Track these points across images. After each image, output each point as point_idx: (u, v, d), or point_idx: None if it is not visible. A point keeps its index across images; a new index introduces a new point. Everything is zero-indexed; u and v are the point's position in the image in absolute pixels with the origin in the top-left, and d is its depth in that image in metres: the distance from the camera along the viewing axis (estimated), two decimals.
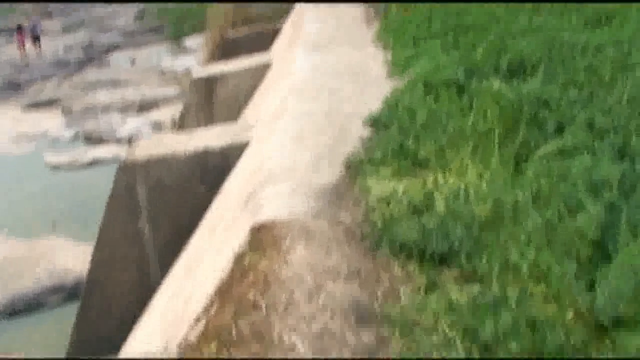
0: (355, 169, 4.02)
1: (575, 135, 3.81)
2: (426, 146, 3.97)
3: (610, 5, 7.71)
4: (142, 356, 4.23)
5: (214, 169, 6.07)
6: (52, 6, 44.89)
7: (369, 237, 3.12)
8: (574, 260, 2.50)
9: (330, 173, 4.04)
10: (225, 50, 13.19)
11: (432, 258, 2.81)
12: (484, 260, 2.64)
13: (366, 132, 4.69)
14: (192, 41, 24.14)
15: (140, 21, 32.72)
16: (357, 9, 11.22)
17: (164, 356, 3.39)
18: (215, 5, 16.70)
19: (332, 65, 6.95)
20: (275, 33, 12.99)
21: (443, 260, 2.80)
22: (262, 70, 9.49)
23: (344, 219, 3.40)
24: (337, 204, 3.61)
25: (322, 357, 2.30)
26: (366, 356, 2.30)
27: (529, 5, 8.14)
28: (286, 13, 15.13)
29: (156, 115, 15.05)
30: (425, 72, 5.27)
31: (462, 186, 3.39)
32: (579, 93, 4.61)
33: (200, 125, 9.77)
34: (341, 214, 3.47)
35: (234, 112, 9.56)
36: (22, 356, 7.82)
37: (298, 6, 12.55)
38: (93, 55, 24.94)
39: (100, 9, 41.26)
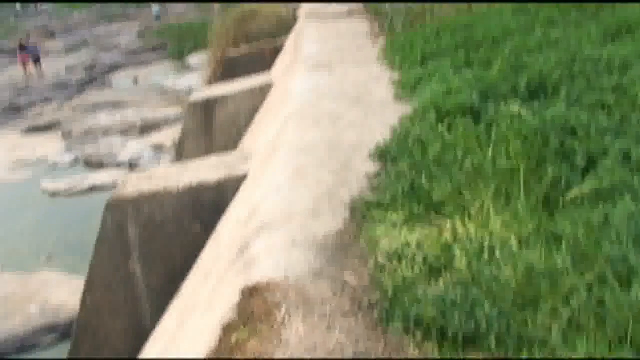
0: (361, 213, 3.54)
1: (611, 171, 3.31)
2: (441, 186, 3.48)
3: (630, 16, 7.23)
4: None
5: (208, 204, 5.60)
6: (54, 26, 44.88)
7: (377, 307, 2.64)
8: (632, 348, 2.01)
9: (333, 219, 3.56)
10: (226, 69, 12.76)
11: (455, 337, 2.32)
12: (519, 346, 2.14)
13: (372, 166, 4.21)
14: (195, 59, 23.80)
15: (142, 39, 32.45)
16: (360, 24, 10.77)
17: None
18: (216, 23, 16.30)
19: (334, 86, 6.49)
20: (276, 51, 12.56)
21: (468, 339, 2.32)
22: (262, 92, 9.04)
23: (349, 280, 2.92)
24: (341, 260, 3.13)
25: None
26: None
27: (543, 16, 7.66)
28: (288, 30, 14.72)
29: (157, 137, 14.62)
30: (436, 96, 4.78)
31: (486, 240, 2.89)
32: (609, 118, 4.12)
33: (199, 150, 9.33)
34: (345, 274, 2.98)
35: (233, 136, 9.11)
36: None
37: (299, 23, 12.11)
38: (94, 76, 24.61)
39: (102, 28, 41.15)
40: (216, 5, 39.23)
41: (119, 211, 5.71)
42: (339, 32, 10.06)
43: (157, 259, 5.76)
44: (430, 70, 5.94)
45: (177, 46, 26.73)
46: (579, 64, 5.23)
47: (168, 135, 14.56)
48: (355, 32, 9.99)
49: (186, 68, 24.22)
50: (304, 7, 16.69)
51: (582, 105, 4.38)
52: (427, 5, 12.58)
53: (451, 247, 2.96)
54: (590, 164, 3.62)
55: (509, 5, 9.36)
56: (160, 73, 23.86)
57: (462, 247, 2.92)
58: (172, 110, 16.73)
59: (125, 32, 37.36)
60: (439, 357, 2.29)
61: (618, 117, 4.13)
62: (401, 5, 12.94)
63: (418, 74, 5.95)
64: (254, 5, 16.86)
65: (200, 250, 5.42)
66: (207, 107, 9.21)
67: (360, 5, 13.57)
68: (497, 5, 9.66)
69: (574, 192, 3.17)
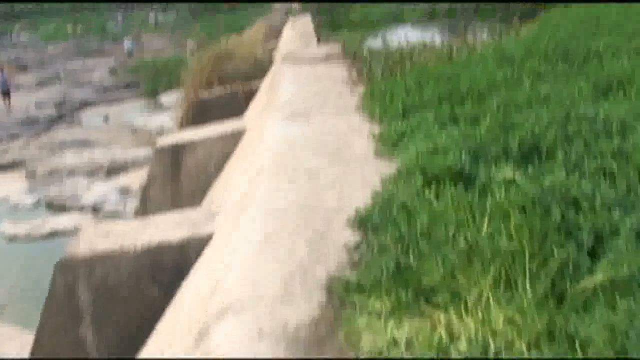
0: (339, 297, 3.07)
1: (626, 256, 2.89)
2: (432, 269, 3.03)
3: (618, 70, 6.96)
4: None
5: (169, 267, 5.09)
6: (29, 58, 44.29)
7: None
8: None
9: (307, 303, 3.08)
10: (197, 112, 12.32)
11: None
12: None
13: (352, 236, 3.75)
14: (169, 98, 23.36)
15: (115, 76, 31.98)
16: (339, 69, 10.43)
17: None
18: (190, 61, 15.90)
19: (311, 138, 6.06)
20: (251, 94, 12.17)
21: None
22: (234, 138, 8.60)
23: None
24: (315, 358, 2.65)
25: None
26: None
27: (529, 68, 7.36)
28: (265, 72, 14.38)
29: (124, 180, 14.07)
30: (422, 157, 4.37)
31: (490, 342, 2.44)
32: (614, 188, 3.73)
33: (165, 198, 8.83)
34: None
35: (202, 184, 8.63)
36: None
37: (275, 67, 11.76)
38: (65, 113, 24.03)
39: (77, 62, 40.62)
40: (191, 43, 39.04)
41: (70, 273, 5.18)
42: (317, 78, 9.69)
43: (110, 326, 5.21)
44: (413, 124, 5.55)
45: (150, 84, 26.29)
46: (574, 124, 4.87)
47: (136, 178, 14.00)
48: (333, 78, 9.63)
49: (159, 107, 23.77)
50: (281, 49, 16.40)
51: (582, 172, 3.99)
52: (406, 51, 12.34)
53: (447, 348, 2.50)
54: (598, 242, 3.22)
55: (491, 54, 9.10)
56: (132, 111, 23.37)
57: (461, 349, 2.46)
58: (142, 151, 16.20)
59: (100, 67, 36.88)
60: None
61: (624, 188, 3.74)
62: (379, 51, 12.68)
63: (400, 128, 5.55)
64: (230, 45, 16.54)
65: (159, 317, 4.89)
66: (175, 152, 8.74)
67: (338, 48, 13.28)
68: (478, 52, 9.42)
69: (587, 282, 2.73)
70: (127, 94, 26.89)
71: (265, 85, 11.03)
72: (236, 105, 12.11)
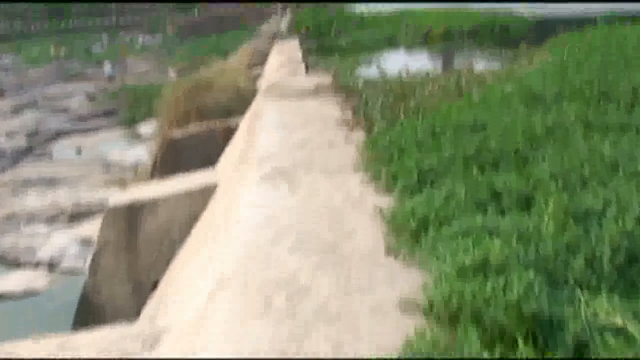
0: None
1: None
2: None
3: None
4: None
5: None
6: (8, 82, 42.67)
7: None
8: None
9: None
10: (170, 153, 10.74)
11: None
12: None
13: None
14: (147, 127, 21.74)
15: (93, 102, 30.36)
16: (330, 106, 8.88)
17: None
18: (165, 92, 14.34)
19: (297, 219, 4.48)
20: (230, 132, 10.61)
21: None
22: (203, 196, 7.02)
23: None
24: None
25: None
26: None
27: (572, 113, 5.82)
28: (248, 105, 12.83)
29: (88, 228, 12.40)
30: (468, 282, 2.78)
31: None
32: None
33: (119, 271, 7.22)
34: None
35: (165, 252, 7.03)
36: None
37: (257, 102, 10.20)
38: (36, 144, 22.36)
39: (57, 87, 38.95)
40: (172, 69, 37.50)
41: None
42: (305, 117, 8.13)
43: None
44: (438, 203, 3.96)
45: (129, 112, 24.66)
46: None
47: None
48: (324, 117, 8.08)
49: (137, 137, 22.15)
50: (266, 78, 14.87)
51: None
52: (407, 82, 10.83)
53: None
54: None
55: (514, 90, 7.58)
56: (108, 143, 21.74)
57: None
58: (110, 192, 14.55)
59: (80, 92, 35.20)
60: None
61: None
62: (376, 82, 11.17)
63: (420, 209, 3.96)
64: (210, 74, 15.00)
65: None
66: (132, 214, 7.14)
67: (329, 78, 11.76)
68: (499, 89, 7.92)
69: None
70: (104, 123, 25.23)
71: (244, 126, 9.45)
72: (213, 146, 10.54)
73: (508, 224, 3.37)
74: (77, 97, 33.79)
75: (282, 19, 46.37)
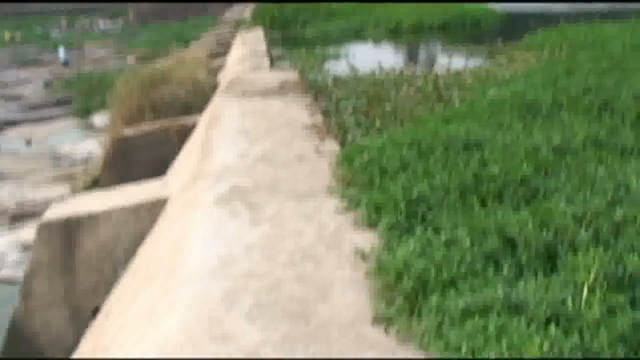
0: None
1: None
2: None
3: None
4: None
5: None
6: None
7: None
8: None
9: None
10: (120, 153, 9.75)
11: None
12: None
13: None
14: (102, 118, 20.55)
15: (49, 90, 28.90)
16: (297, 107, 8.01)
17: None
18: (118, 84, 13.26)
19: (258, 263, 3.62)
20: (186, 132, 9.66)
21: None
22: (151, 212, 6.11)
23: None
24: None
25: None
26: None
27: (581, 134, 5.06)
28: (207, 101, 11.88)
29: (30, 232, 11.30)
30: None
31: None
32: None
33: (54, 295, 6.28)
34: None
35: (107, 276, 6.11)
36: None
37: (217, 100, 9.27)
38: None
39: (11, 73, 37.18)
40: (130, 56, 36.14)
41: None
42: (270, 122, 7.25)
43: None
44: (438, 256, 3.13)
45: (83, 101, 23.34)
46: None
47: None
48: (291, 122, 7.20)
49: (91, 128, 20.96)
50: (228, 71, 13.92)
51: None
52: (380, 81, 10.02)
53: None
54: None
55: (505, 99, 6.82)
56: (60, 134, 20.50)
57: None
58: (58, 190, 13.46)
59: (35, 79, 33.62)
60: None
61: None
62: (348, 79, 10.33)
63: (415, 262, 3.13)
64: (166, 66, 13.98)
65: None
66: (68, 231, 6.18)
67: (295, 74, 10.88)
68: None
69: None
70: (57, 112, 23.87)
71: (201, 125, 8.51)
72: (167, 147, 9.59)
73: (535, 297, 2.56)
74: (31, 84, 32.27)
75: (246, 6, 45.19)
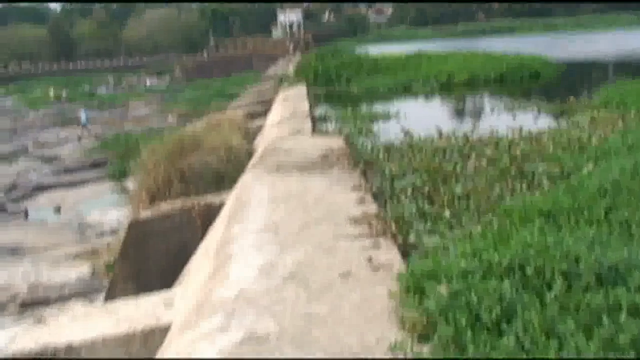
0: None
1: None
2: None
3: None
4: None
5: None
6: (3, 127, 40.76)
7: None
8: None
9: None
10: (135, 239, 8.28)
11: None
12: None
13: None
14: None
15: (86, 151, 28.11)
16: (343, 191, 6.41)
17: None
18: (145, 153, 11.93)
19: None
20: (212, 212, 8.15)
21: None
22: (147, 345, 4.53)
23: None
24: None
25: None
26: None
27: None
28: (243, 167, 10.44)
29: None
30: None
31: None
32: None
33: None
34: None
35: None
36: None
37: (246, 177, 7.76)
38: (11, 200, 20.04)
39: (52, 132, 36.83)
40: (170, 115, 35.34)
41: None
42: (307, 212, 5.67)
43: None
44: None
45: (118, 164, 22.29)
46: None
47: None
48: (335, 212, 5.61)
49: (125, 192, 19.76)
50: (264, 138, 12.50)
51: None
52: (443, 151, 8.40)
53: None
54: None
55: (620, 183, 5.11)
56: (91, 200, 19.38)
57: None
58: (77, 271, 12.10)
59: (74, 140, 33.08)
60: None
61: None
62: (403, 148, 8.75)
63: None
64: (198, 131, 12.65)
65: None
66: None
67: (340, 141, 9.35)
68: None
69: None
70: (92, 175, 22.93)
71: (225, 212, 6.96)
72: (189, 231, 8.10)
73: None
74: (69, 144, 31.68)
75: (289, 62, 44.47)
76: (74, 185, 21.74)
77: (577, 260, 3.45)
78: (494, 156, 7.68)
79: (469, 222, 5.28)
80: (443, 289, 3.37)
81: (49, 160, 27.64)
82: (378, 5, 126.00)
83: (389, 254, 4.44)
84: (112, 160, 23.63)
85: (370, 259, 4.34)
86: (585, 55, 34.63)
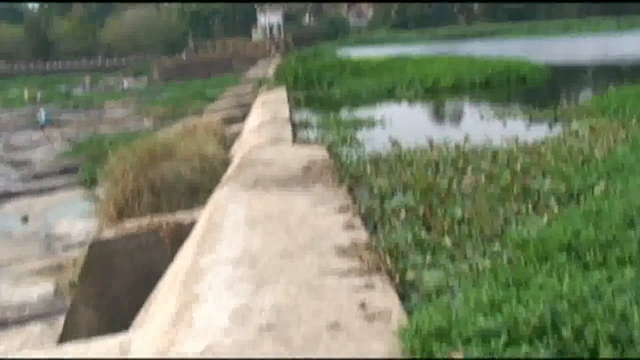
0: None
1: None
2: None
3: None
4: None
5: None
6: None
7: None
8: None
9: None
10: (96, 262, 7.50)
11: None
12: None
13: None
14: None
15: (59, 156, 27.12)
16: (328, 212, 5.71)
17: None
18: (112, 161, 11.15)
19: None
20: (182, 232, 7.40)
21: None
22: None
23: None
24: None
25: None
26: None
27: None
28: (218, 180, 9.73)
29: None
30: None
31: None
32: None
33: None
34: None
35: None
36: None
37: (220, 192, 7.03)
38: None
39: (27, 134, 35.66)
40: (147, 117, 34.35)
41: None
42: (289, 238, 4.96)
43: None
44: None
45: (89, 170, 21.30)
46: None
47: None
48: (320, 238, 4.91)
49: (96, 200, 18.86)
50: (241, 146, 11.78)
51: None
52: (435, 163, 7.75)
53: None
54: None
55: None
56: (60, 208, 18.49)
57: None
58: (39, 289, 11.26)
59: (47, 142, 31.99)
60: None
61: None
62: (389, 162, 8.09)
63: None
64: (170, 139, 11.89)
65: None
66: None
67: (323, 152, 8.66)
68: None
69: None
70: (62, 182, 21.99)
71: (194, 239, 6.19)
72: (157, 252, 7.34)
73: None
74: (42, 147, 30.64)
75: (270, 64, 43.72)
76: (43, 193, 20.80)
77: (623, 317, 2.78)
78: (492, 170, 7.02)
79: (473, 253, 4.60)
80: (458, 357, 2.68)
81: (19, 164, 26.63)
82: (359, 7, 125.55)
83: (385, 298, 3.75)
84: (84, 166, 22.67)
85: (363, 305, 3.64)
86: (567, 59, 34.32)
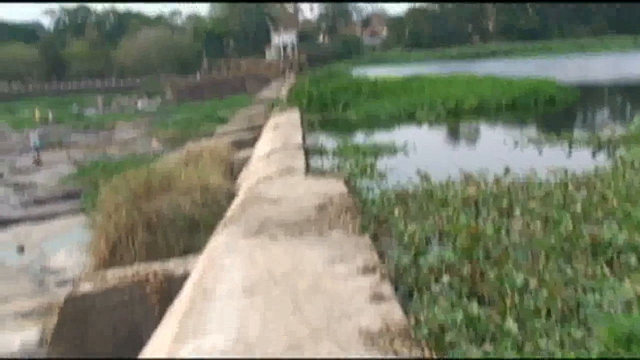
0: None
1: None
2: None
3: None
4: None
5: None
6: None
7: None
8: None
9: None
10: (68, 320, 6.32)
11: None
12: None
13: None
14: None
15: (63, 179, 26.11)
16: (350, 274, 4.50)
17: None
18: (104, 192, 10.03)
19: None
20: (174, 285, 6.20)
21: None
22: None
23: None
24: None
25: None
26: None
27: None
28: (221, 214, 8.58)
29: None
30: None
31: None
32: None
33: None
34: None
35: None
36: None
37: (217, 239, 5.83)
38: None
39: (29, 158, 34.73)
40: (155, 139, 33.35)
41: None
42: (297, 311, 3.77)
43: None
44: None
45: (91, 196, 20.17)
46: None
47: None
48: (339, 311, 3.73)
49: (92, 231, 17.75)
50: (248, 176, 10.62)
51: None
52: (481, 215, 6.47)
53: None
54: None
55: None
56: (59, 237, 17.40)
57: None
58: (22, 336, 10.09)
59: (53, 164, 31.06)
60: None
61: None
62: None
63: None
64: (170, 168, 10.74)
65: None
66: None
67: (340, 187, 7.47)
68: None
69: None
70: (64, 208, 20.92)
71: (184, 296, 4.99)
72: (142, 309, 6.16)
73: None
74: (47, 170, 29.67)
75: (283, 84, 42.74)
76: (43, 219, 19.72)
77: None
78: (547, 213, 5.78)
79: (547, 343, 3.38)
80: None
81: (22, 188, 25.63)
82: (373, 27, 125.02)
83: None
84: (87, 191, 21.60)
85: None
86: (585, 79, 33.02)
